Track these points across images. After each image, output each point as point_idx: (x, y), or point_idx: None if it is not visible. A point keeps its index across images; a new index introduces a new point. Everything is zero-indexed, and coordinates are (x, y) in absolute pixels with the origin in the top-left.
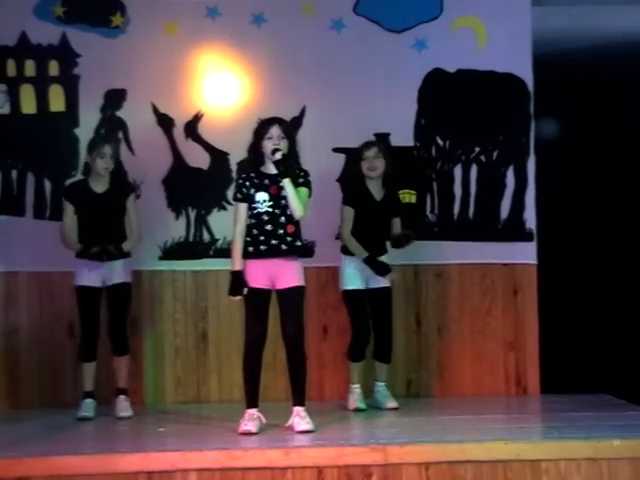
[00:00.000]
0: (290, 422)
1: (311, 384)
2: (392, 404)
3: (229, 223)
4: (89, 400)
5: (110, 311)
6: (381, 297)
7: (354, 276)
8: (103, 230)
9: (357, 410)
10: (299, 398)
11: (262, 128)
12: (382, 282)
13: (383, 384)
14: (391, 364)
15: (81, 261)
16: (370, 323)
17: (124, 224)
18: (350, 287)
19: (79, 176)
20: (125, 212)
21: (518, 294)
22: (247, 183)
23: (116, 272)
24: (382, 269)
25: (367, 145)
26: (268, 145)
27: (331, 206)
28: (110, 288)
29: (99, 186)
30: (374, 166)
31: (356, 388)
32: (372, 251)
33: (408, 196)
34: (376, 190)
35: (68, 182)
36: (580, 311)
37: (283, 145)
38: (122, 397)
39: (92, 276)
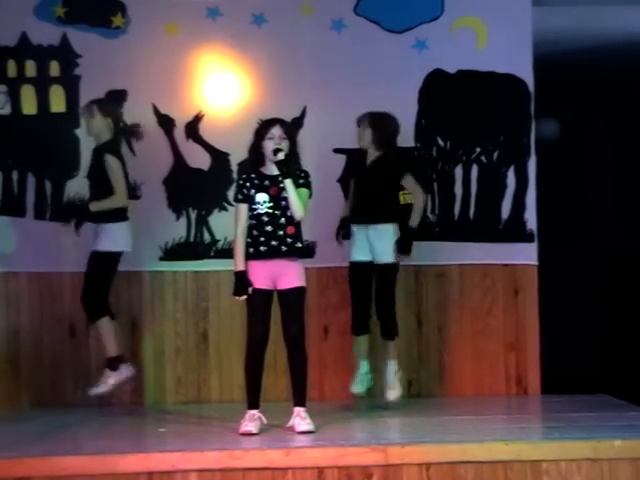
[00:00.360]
0: (291, 423)
1: (312, 384)
2: (391, 395)
3: (230, 224)
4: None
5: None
6: (383, 272)
7: (358, 248)
8: (90, 188)
9: (355, 394)
10: (300, 398)
11: (263, 128)
12: (387, 258)
13: (392, 362)
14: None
15: None
16: (370, 296)
17: (103, 182)
18: (353, 259)
19: (80, 176)
20: (104, 170)
21: (519, 294)
22: (247, 184)
23: (98, 239)
24: (343, 233)
25: (357, 120)
26: (269, 145)
27: (332, 207)
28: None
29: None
30: (360, 137)
31: (362, 367)
32: (367, 218)
33: (406, 197)
34: (370, 159)
35: None
36: (580, 311)
37: (284, 146)
38: (106, 371)
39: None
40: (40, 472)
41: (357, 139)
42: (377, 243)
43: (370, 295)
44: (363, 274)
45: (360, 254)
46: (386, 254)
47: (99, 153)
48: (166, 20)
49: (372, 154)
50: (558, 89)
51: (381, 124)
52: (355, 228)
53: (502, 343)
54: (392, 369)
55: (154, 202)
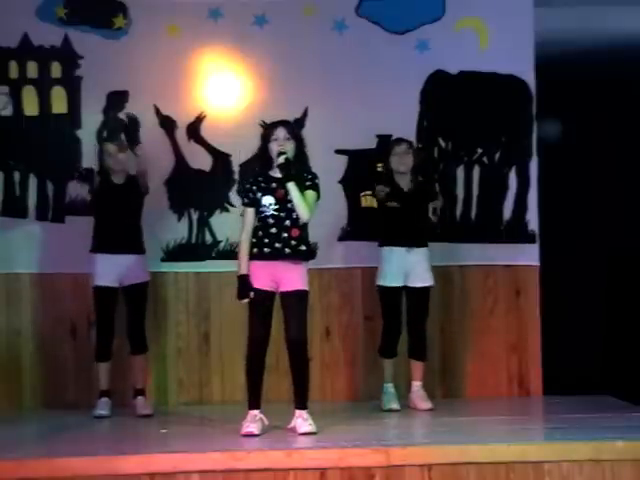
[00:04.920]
0: (292, 424)
1: (313, 385)
2: (426, 405)
3: (231, 225)
4: (105, 399)
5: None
6: (419, 296)
7: (392, 272)
8: (117, 222)
9: (391, 411)
10: (301, 401)
11: (268, 131)
12: (425, 281)
13: (419, 384)
14: (399, 365)
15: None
16: (401, 320)
17: (139, 218)
18: (386, 284)
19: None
20: (140, 207)
21: (521, 295)
22: (254, 187)
23: (143, 269)
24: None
25: (397, 141)
26: (274, 147)
27: (333, 208)
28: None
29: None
30: (404, 161)
31: (389, 387)
32: (408, 242)
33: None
34: (405, 183)
35: None
36: (582, 312)
37: (289, 146)
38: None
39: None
40: (42, 473)
41: (397, 161)
42: (416, 266)
43: (401, 318)
44: (397, 299)
45: (393, 280)
46: (424, 277)
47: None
48: (167, 21)
49: (406, 181)
50: (560, 90)
51: (420, 153)
52: (389, 252)
53: (504, 344)
54: (419, 391)
55: (156, 203)
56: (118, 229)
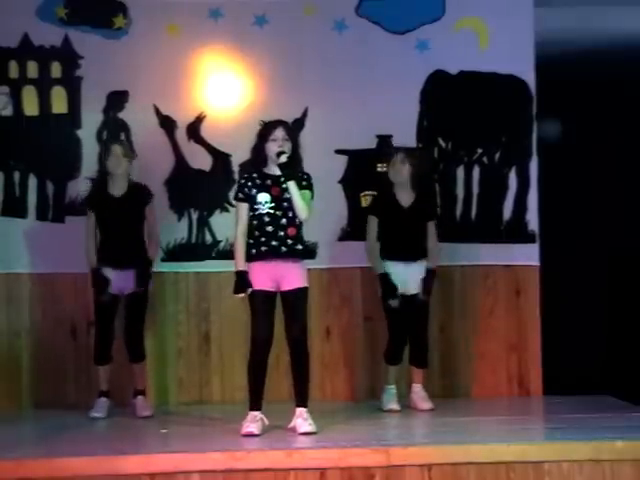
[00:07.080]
0: (293, 424)
1: (313, 385)
2: (427, 405)
3: (231, 225)
4: (103, 399)
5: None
6: (420, 303)
7: (395, 283)
8: (121, 236)
9: (391, 411)
10: (302, 399)
11: (266, 130)
12: (418, 289)
13: (420, 385)
14: (400, 367)
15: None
16: (406, 328)
17: (142, 230)
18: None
19: (82, 177)
20: (143, 218)
21: (520, 295)
22: (249, 183)
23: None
24: (389, 294)
25: (395, 151)
26: (272, 147)
27: (333, 208)
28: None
29: (117, 189)
30: (399, 171)
31: (391, 389)
32: (407, 257)
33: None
34: (405, 197)
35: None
36: (582, 312)
37: (287, 147)
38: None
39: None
40: (41, 473)
41: (391, 173)
42: (414, 276)
43: (406, 326)
44: (403, 306)
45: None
46: (418, 286)
47: (141, 200)
48: (168, 21)
49: (406, 192)
50: (560, 90)
51: (419, 162)
52: (388, 266)
53: (504, 344)
54: (420, 392)
55: (156, 203)
56: (121, 244)
